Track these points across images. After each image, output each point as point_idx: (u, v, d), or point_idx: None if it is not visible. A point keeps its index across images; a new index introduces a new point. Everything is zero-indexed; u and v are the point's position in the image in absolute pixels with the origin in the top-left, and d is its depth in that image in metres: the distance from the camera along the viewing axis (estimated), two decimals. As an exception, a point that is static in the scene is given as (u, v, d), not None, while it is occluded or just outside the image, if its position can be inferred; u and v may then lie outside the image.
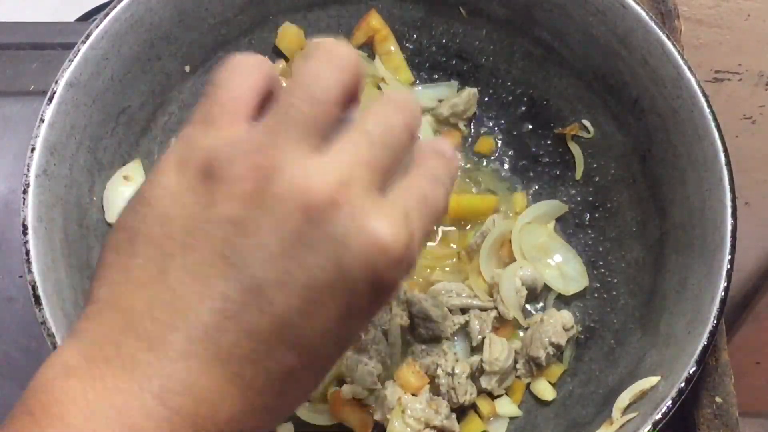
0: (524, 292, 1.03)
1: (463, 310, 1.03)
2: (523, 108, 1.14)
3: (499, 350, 0.98)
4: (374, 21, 1.12)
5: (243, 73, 0.49)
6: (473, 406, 1.00)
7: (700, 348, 0.82)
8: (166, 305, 0.44)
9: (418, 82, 1.17)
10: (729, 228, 0.86)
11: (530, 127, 1.14)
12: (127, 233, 0.50)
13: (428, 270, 1.08)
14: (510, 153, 1.15)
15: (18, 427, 0.46)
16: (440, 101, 1.14)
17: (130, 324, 0.45)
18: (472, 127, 1.16)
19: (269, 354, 0.45)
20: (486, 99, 1.16)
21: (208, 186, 0.45)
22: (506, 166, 1.15)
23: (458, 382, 0.97)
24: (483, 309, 1.03)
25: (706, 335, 0.82)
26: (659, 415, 0.79)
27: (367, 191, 0.45)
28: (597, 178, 1.09)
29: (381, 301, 0.48)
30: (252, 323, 0.44)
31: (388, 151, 0.47)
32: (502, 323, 1.03)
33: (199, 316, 0.44)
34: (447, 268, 1.08)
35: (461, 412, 0.99)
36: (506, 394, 1.01)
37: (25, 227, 0.84)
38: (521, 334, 1.04)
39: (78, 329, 0.48)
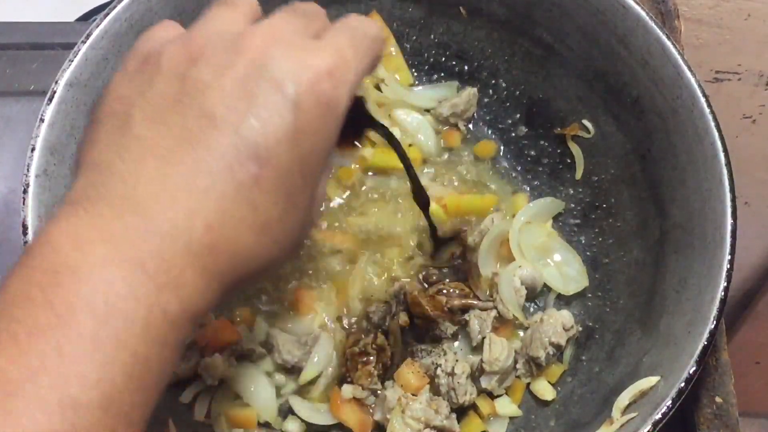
0: (524, 292, 1.03)
1: (463, 310, 1.03)
2: (523, 108, 1.14)
3: (499, 350, 0.98)
4: (374, 22, 1.12)
5: None
6: (473, 406, 1.00)
7: (700, 348, 0.82)
8: (131, 151, 0.51)
9: (418, 82, 1.17)
10: (729, 228, 0.86)
11: (530, 127, 1.14)
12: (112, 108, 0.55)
13: (428, 270, 1.08)
14: (510, 153, 1.15)
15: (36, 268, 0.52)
16: (440, 101, 1.14)
17: (105, 172, 0.51)
18: (472, 127, 1.16)
19: (234, 168, 0.50)
20: (486, 99, 1.16)
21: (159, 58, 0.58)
22: (506, 167, 1.15)
23: (458, 382, 0.97)
24: (483, 309, 1.03)
25: (706, 335, 0.82)
26: (659, 415, 0.79)
27: (299, 39, 0.55)
28: (597, 178, 1.09)
29: (335, 119, 0.55)
30: (210, 143, 0.50)
31: (308, 17, 0.58)
32: (502, 323, 1.03)
33: (165, 150, 0.50)
34: (446, 269, 1.08)
35: (461, 412, 0.99)
36: (506, 394, 1.01)
37: (25, 227, 0.84)
38: (521, 334, 1.04)
39: (70, 192, 0.54)
